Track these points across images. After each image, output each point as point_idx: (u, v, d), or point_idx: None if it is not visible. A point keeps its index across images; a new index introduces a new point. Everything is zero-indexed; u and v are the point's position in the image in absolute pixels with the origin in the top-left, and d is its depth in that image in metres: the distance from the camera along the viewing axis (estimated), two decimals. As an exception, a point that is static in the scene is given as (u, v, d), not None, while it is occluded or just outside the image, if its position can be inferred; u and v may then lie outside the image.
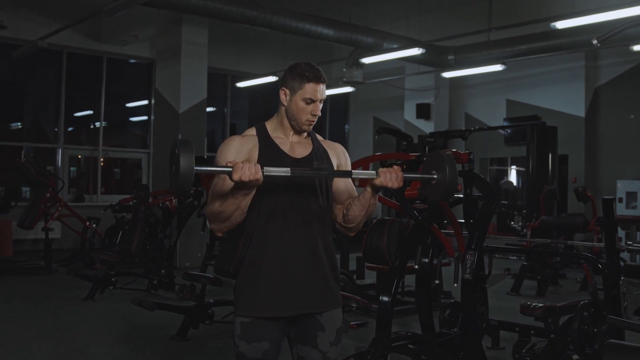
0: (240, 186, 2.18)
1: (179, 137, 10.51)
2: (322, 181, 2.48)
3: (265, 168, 2.17)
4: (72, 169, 12.75)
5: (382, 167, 5.19)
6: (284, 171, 2.20)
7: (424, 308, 4.76)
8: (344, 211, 2.52)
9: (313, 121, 2.47)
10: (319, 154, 2.53)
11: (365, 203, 2.45)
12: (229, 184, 2.25)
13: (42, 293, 7.73)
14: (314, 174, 2.39)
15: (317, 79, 2.42)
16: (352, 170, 2.39)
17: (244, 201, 2.30)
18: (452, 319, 5.01)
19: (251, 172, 2.12)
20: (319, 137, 2.62)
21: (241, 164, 2.12)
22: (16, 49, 10.48)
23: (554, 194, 9.67)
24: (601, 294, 4.71)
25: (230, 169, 2.12)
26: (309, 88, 2.41)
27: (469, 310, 4.30)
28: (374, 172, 2.34)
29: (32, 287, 8.13)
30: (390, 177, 2.33)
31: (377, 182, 2.34)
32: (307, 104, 2.43)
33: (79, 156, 12.84)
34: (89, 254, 9.49)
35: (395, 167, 2.35)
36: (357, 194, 2.60)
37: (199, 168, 2.09)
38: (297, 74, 2.43)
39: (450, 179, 2.38)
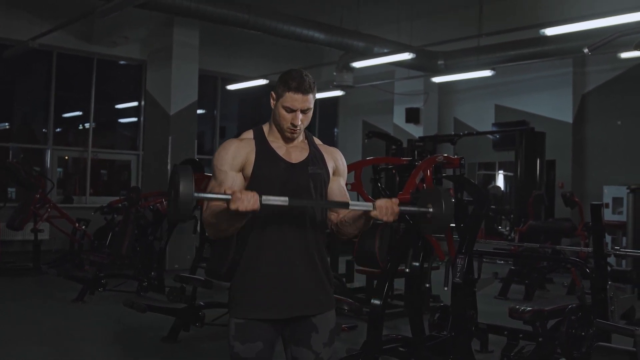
0: (237, 214, 2.18)
1: (170, 139, 10.51)
2: (317, 185, 2.50)
3: (263, 197, 2.18)
4: (59, 169, 12.69)
5: (376, 170, 5.18)
6: (282, 200, 2.22)
7: (414, 311, 4.80)
8: (338, 224, 2.53)
9: (294, 130, 2.46)
10: (315, 158, 2.54)
11: (360, 226, 2.49)
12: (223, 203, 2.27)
13: (31, 294, 7.70)
14: (312, 204, 2.42)
15: (298, 89, 2.40)
16: (350, 202, 2.37)
17: (238, 223, 2.32)
18: (441, 323, 5.06)
19: (249, 202, 2.13)
20: (317, 141, 2.63)
21: (239, 194, 2.13)
22: (7, 48, 10.44)
23: (541, 199, 9.76)
24: (589, 298, 4.76)
25: (229, 197, 2.13)
26: (288, 97, 2.41)
27: (459, 314, 4.34)
28: (371, 204, 2.35)
29: (21, 288, 8.09)
30: (386, 212, 2.32)
31: (372, 214, 2.35)
32: (287, 112, 2.43)
33: (66, 157, 12.79)
34: (78, 255, 9.46)
35: (394, 200, 2.35)
36: (348, 196, 2.63)
37: (198, 194, 2.12)
38: (283, 80, 2.44)
39: (446, 213, 2.41)
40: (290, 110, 2.43)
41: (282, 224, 2.44)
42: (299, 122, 2.44)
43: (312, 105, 2.46)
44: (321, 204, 2.47)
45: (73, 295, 7.31)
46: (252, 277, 2.43)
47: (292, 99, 2.41)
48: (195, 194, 2.11)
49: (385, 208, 2.32)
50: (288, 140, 2.51)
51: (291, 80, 2.41)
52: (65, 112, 12.84)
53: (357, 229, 2.51)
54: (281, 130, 2.48)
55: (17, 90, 12.62)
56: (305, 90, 2.41)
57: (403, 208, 2.39)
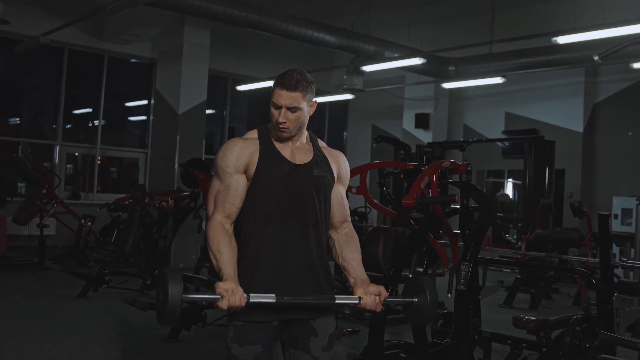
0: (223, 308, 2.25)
1: (178, 138, 10.52)
2: (321, 188, 2.48)
3: (251, 295, 2.24)
4: (69, 166, 12.72)
5: (381, 175, 5.15)
6: (269, 297, 2.27)
7: (416, 317, 4.74)
8: (336, 254, 2.60)
9: (279, 128, 2.42)
10: (320, 161, 2.52)
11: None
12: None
13: (34, 289, 7.70)
14: (300, 302, 2.40)
15: (283, 85, 2.38)
16: (336, 296, 2.44)
17: None
18: (444, 330, 5.01)
19: (235, 302, 2.21)
20: (321, 144, 2.61)
21: (226, 293, 2.20)
22: (18, 44, 10.48)
23: (549, 208, 9.67)
24: (594, 309, 4.70)
25: (219, 297, 2.21)
26: (276, 92, 2.40)
27: (461, 321, 4.29)
28: (357, 298, 2.42)
29: (24, 283, 8.10)
30: (371, 305, 2.41)
31: (358, 306, 2.43)
32: (274, 108, 2.41)
33: (76, 154, 12.82)
34: (83, 252, 9.46)
35: (382, 294, 2.43)
36: (347, 206, 2.64)
37: (187, 296, 2.16)
38: (276, 77, 2.43)
39: (430, 302, 2.46)
40: (277, 107, 2.40)
41: (284, 226, 2.41)
42: (283, 120, 2.40)
43: (301, 105, 2.40)
44: (309, 302, 2.44)
45: (76, 291, 7.32)
46: (251, 278, 2.40)
47: (278, 94, 2.39)
48: (185, 296, 2.14)
49: (369, 307, 2.41)
50: (281, 139, 2.48)
51: (281, 77, 2.41)
52: (75, 109, 12.86)
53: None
54: (274, 127, 2.46)
55: (28, 85, 12.65)
56: (290, 86, 2.37)
57: (389, 300, 2.48)
